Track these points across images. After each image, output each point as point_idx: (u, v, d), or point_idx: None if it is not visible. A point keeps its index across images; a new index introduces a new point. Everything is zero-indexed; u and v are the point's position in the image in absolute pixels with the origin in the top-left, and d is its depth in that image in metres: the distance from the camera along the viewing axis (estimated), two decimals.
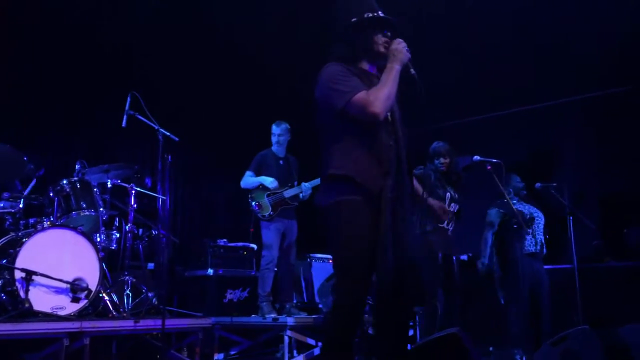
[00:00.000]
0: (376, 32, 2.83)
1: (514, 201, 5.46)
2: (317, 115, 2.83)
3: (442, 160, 4.96)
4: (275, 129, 5.91)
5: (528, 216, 5.47)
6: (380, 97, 2.64)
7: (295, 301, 6.09)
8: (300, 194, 5.77)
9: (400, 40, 2.79)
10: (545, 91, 7.58)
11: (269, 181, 5.67)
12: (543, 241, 5.56)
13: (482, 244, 5.56)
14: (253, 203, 5.69)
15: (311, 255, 6.92)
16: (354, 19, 2.80)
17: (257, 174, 5.77)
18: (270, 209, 5.63)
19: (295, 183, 5.84)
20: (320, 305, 6.41)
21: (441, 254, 4.78)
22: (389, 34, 2.84)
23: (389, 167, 2.69)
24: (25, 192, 4.82)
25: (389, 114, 2.77)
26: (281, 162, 5.88)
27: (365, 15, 2.80)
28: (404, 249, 2.70)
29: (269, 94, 7.74)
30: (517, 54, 6.88)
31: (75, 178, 4.83)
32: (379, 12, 2.84)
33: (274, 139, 5.91)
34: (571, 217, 5.24)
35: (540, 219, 5.61)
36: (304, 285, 6.74)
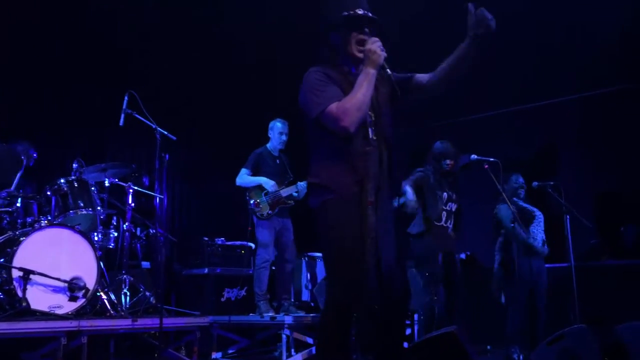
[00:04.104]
0: (352, 32, 2.71)
1: (515, 199, 5.46)
2: (303, 120, 2.82)
3: (448, 162, 4.93)
4: (280, 126, 5.79)
5: (529, 215, 5.47)
6: (349, 109, 2.56)
7: (293, 299, 6.09)
8: (295, 193, 5.72)
9: (375, 39, 2.64)
10: (542, 90, 7.57)
11: (270, 185, 5.61)
12: (544, 239, 5.56)
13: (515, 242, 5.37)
14: (251, 202, 5.66)
15: (309, 254, 6.91)
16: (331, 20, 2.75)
17: (254, 172, 5.72)
18: (269, 207, 5.62)
19: (291, 179, 5.82)
20: (312, 304, 6.41)
21: (441, 253, 4.78)
22: (367, 30, 2.69)
23: (366, 173, 2.63)
24: (20, 172, 4.86)
25: (371, 114, 2.72)
26: (277, 160, 5.84)
27: (342, 14, 2.70)
28: (387, 249, 2.68)
29: (265, 92, 7.72)
30: (514, 53, 6.87)
31: (73, 177, 4.82)
32: (359, 9, 2.70)
33: (277, 136, 5.79)
34: (568, 216, 5.24)
35: (540, 218, 5.61)
36: (302, 283, 6.73)
